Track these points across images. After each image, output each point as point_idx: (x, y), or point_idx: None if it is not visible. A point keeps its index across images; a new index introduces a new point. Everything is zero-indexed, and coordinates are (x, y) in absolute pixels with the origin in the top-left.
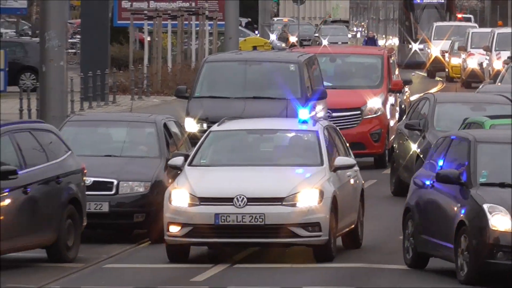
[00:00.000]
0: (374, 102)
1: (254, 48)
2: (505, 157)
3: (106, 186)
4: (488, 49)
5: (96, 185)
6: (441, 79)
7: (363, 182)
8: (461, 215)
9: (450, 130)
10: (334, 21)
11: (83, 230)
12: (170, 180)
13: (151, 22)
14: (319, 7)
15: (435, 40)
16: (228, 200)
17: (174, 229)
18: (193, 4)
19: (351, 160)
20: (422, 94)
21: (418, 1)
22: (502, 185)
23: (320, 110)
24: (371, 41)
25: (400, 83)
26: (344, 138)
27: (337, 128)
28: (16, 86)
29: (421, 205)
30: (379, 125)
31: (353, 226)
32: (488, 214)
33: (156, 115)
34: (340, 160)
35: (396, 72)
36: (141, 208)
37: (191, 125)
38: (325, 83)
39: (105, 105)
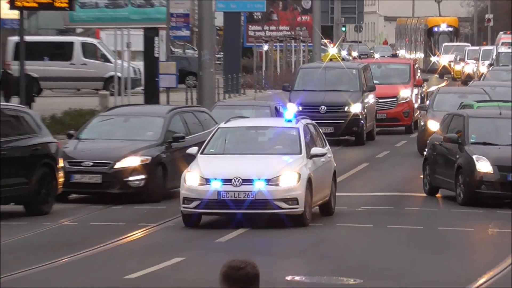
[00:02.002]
0: (404, 93)
1: (331, 60)
2: (486, 126)
3: None
4: (477, 60)
5: None
6: (447, 79)
7: (335, 164)
8: (459, 162)
9: (450, 110)
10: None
11: None
12: None
13: (267, 44)
14: (371, 33)
15: (444, 54)
16: (228, 181)
17: (187, 203)
18: (292, 33)
19: (323, 150)
20: (436, 88)
21: (436, 30)
22: (484, 143)
23: (371, 98)
24: (394, 56)
25: (421, 81)
26: (322, 132)
27: (317, 124)
28: (183, 84)
29: (434, 156)
30: (407, 107)
31: (327, 199)
32: (475, 161)
33: (269, 102)
34: (315, 150)
35: (419, 74)
36: None
37: (292, 108)
38: (374, 81)
39: (239, 95)
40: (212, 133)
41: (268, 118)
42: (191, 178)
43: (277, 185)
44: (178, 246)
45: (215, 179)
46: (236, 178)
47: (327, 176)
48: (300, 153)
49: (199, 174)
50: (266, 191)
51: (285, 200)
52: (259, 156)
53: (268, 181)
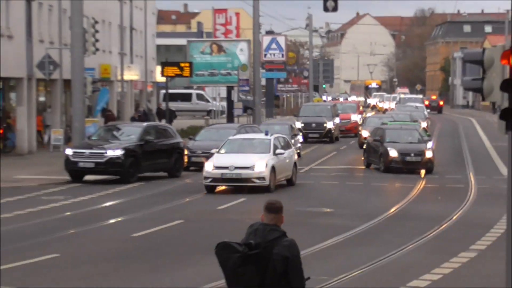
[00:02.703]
0: (354, 117)
1: (318, 101)
2: (394, 133)
3: None
4: (389, 100)
5: None
6: (374, 111)
7: (296, 157)
8: (381, 150)
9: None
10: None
11: None
12: None
13: (287, 93)
14: (337, 87)
15: (373, 98)
16: (227, 168)
17: (205, 179)
18: (299, 87)
19: (283, 151)
20: (368, 115)
21: (370, 86)
22: (393, 142)
23: (337, 119)
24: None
25: (362, 111)
26: (289, 141)
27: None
28: (245, 113)
29: (368, 148)
30: (355, 124)
31: (289, 177)
32: (389, 150)
33: (287, 121)
34: (278, 150)
35: (360, 108)
36: None
37: (297, 125)
38: (339, 111)
39: (273, 119)
40: (225, 141)
41: (257, 134)
42: (208, 166)
43: (253, 169)
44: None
45: (219, 167)
46: (231, 166)
47: (288, 164)
48: (269, 152)
49: (212, 164)
50: (247, 173)
51: (258, 178)
52: (246, 154)
53: (249, 168)
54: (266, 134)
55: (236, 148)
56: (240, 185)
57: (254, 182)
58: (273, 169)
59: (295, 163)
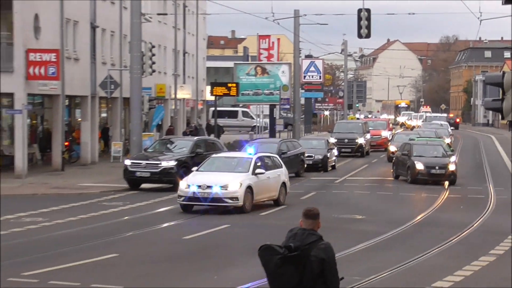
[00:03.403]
0: (384, 133)
1: (351, 119)
2: (420, 148)
3: None
4: (416, 118)
5: None
6: (403, 128)
7: (284, 178)
8: (408, 164)
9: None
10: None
11: None
12: None
13: (323, 111)
14: (369, 107)
15: (402, 116)
16: (200, 186)
17: (179, 198)
18: (334, 106)
19: (263, 170)
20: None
21: (399, 106)
22: (420, 156)
23: (368, 135)
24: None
25: (392, 128)
26: (279, 159)
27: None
28: (286, 129)
29: (397, 161)
30: (385, 140)
31: (274, 197)
32: (415, 163)
33: (323, 137)
34: (258, 170)
35: (391, 125)
36: None
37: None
38: (369, 128)
39: (311, 134)
40: (207, 159)
41: (239, 152)
42: (182, 184)
43: (226, 189)
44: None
45: (193, 185)
46: (204, 185)
47: (273, 185)
48: (248, 172)
49: (186, 182)
50: (220, 192)
51: (231, 198)
52: (223, 173)
53: (222, 187)
54: (250, 154)
55: (216, 167)
56: (212, 204)
57: (226, 202)
58: (249, 189)
59: (283, 183)
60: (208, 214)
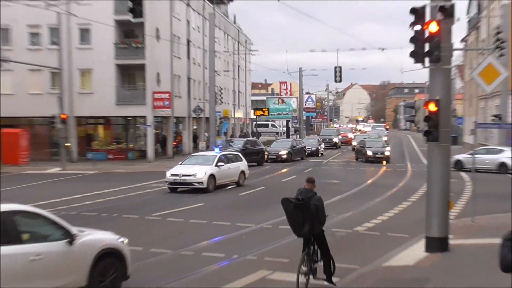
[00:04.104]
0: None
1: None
2: (371, 143)
3: None
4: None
5: None
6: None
7: (242, 168)
8: (364, 151)
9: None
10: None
11: None
12: None
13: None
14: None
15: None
16: (177, 175)
17: (166, 183)
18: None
19: (223, 163)
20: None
21: (358, 120)
22: (370, 147)
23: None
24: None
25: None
26: (241, 157)
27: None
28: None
29: (357, 149)
30: (349, 140)
31: (235, 181)
32: (367, 151)
33: (317, 137)
34: (219, 163)
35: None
36: None
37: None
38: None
39: (310, 135)
40: (189, 156)
41: (210, 152)
42: (168, 173)
43: (195, 176)
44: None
45: (173, 174)
46: (180, 174)
47: (233, 172)
48: (212, 164)
49: (169, 172)
50: (191, 179)
51: (197, 182)
52: (196, 165)
53: (192, 175)
54: (216, 152)
55: (193, 161)
56: (186, 187)
57: (195, 185)
58: (212, 176)
59: (242, 171)
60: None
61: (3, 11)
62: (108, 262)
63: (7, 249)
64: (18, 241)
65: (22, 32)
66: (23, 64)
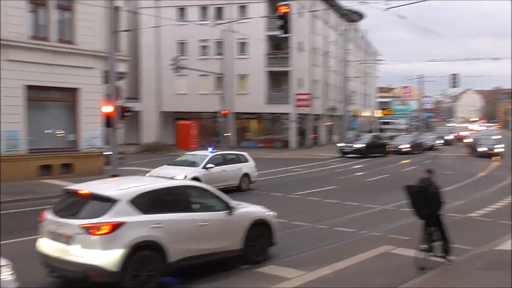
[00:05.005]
0: None
1: None
2: (483, 139)
3: None
4: None
5: None
6: None
7: (246, 172)
8: None
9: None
10: None
11: None
12: None
13: None
14: None
15: None
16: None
17: None
18: None
19: (213, 166)
20: None
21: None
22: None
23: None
24: None
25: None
26: (242, 157)
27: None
28: None
29: (469, 146)
30: None
31: (234, 185)
32: (480, 146)
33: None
34: (208, 165)
35: None
36: None
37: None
38: None
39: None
40: (181, 156)
41: (202, 151)
42: (151, 173)
43: (173, 179)
44: None
45: (158, 176)
46: (165, 173)
47: (230, 176)
48: (199, 166)
49: (155, 172)
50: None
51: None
52: (178, 167)
53: (171, 178)
54: (209, 152)
55: (181, 162)
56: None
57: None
58: (196, 179)
59: (246, 174)
60: None
61: (181, 29)
62: (259, 231)
63: (181, 215)
64: (190, 209)
65: (195, 45)
66: (195, 70)
